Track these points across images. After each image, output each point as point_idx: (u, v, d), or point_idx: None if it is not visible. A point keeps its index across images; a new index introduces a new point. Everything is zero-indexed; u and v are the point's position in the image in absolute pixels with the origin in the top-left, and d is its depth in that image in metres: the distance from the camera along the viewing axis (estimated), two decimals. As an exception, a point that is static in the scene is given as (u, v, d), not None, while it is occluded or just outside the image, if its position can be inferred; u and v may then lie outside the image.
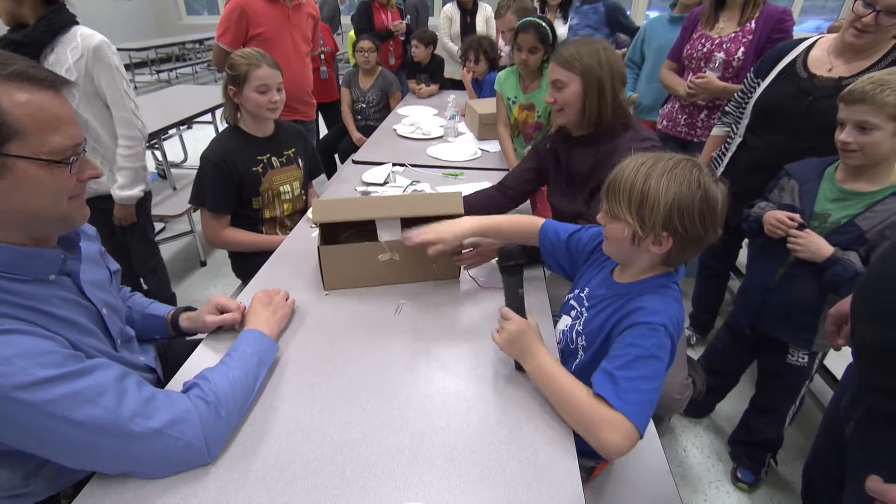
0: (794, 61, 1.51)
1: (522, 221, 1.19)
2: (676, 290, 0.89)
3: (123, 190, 1.75)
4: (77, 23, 1.58)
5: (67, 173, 0.70)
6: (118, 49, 6.09)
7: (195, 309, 1.15)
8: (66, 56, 1.53)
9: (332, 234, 1.31)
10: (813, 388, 1.57)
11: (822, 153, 1.33)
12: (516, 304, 0.96)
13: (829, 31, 1.83)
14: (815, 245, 1.22)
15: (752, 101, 1.63)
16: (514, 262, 0.96)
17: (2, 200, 0.66)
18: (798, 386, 1.48)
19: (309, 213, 1.68)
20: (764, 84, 1.58)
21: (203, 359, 1.02)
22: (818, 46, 1.50)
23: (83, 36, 1.55)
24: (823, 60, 1.46)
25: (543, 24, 1.89)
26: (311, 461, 0.80)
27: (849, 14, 1.39)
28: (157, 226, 3.05)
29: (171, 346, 1.24)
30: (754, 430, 1.62)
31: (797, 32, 1.85)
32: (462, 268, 1.32)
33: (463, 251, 1.27)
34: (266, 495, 0.74)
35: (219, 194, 1.62)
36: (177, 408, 0.74)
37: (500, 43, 3.77)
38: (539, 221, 1.16)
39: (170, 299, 2.01)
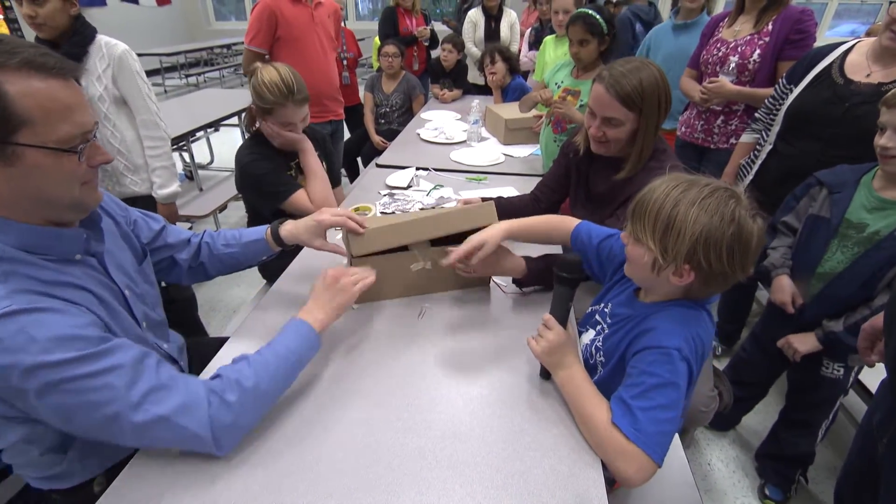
0: (829, 66, 1.47)
1: (556, 222, 1.16)
2: (700, 311, 0.84)
3: (163, 189, 1.81)
4: (97, 31, 1.64)
5: (76, 161, 0.70)
6: (151, 54, 6.25)
7: (290, 219, 1.17)
8: (95, 66, 1.60)
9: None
10: (846, 403, 1.52)
11: (858, 161, 1.29)
12: (561, 315, 0.93)
13: (868, 34, 1.77)
14: (809, 341, 1.34)
15: (784, 108, 1.59)
16: (571, 274, 0.92)
17: (16, 187, 0.68)
18: (833, 399, 1.43)
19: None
20: (797, 90, 1.54)
21: (229, 358, 1.04)
22: (856, 51, 1.45)
23: (107, 45, 1.62)
24: (861, 65, 1.42)
25: (594, 14, 1.83)
26: (335, 462, 0.80)
27: (885, 17, 1.35)
28: (185, 226, 3.12)
29: (199, 344, 1.26)
30: (785, 444, 1.56)
31: (830, 37, 1.80)
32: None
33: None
34: (290, 495, 0.75)
35: (285, 176, 1.61)
36: (187, 397, 0.74)
37: (524, 48, 3.78)
38: (572, 224, 1.12)
39: (189, 298, 2.05)
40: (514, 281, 1.25)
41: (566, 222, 1.14)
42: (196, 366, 1.10)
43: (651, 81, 1.16)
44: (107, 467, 0.90)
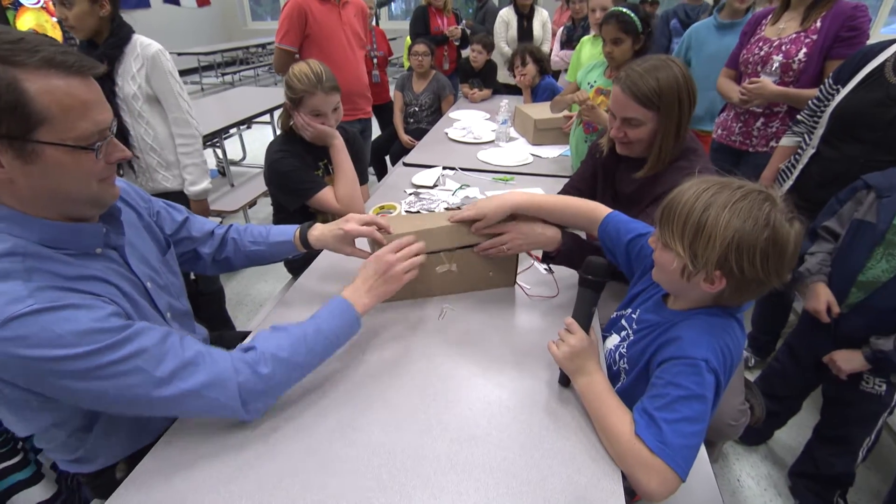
0: (882, 65, 1.38)
1: (582, 207, 1.10)
2: (730, 320, 0.81)
3: (194, 185, 1.86)
4: (134, 31, 1.69)
5: (94, 158, 0.71)
6: (190, 53, 6.43)
7: (316, 221, 1.20)
8: (130, 65, 1.65)
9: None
10: (892, 423, 1.43)
11: (909, 167, 1.22)
12: (584, 319, 0.91)
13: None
14: (855, 360, 1.27)
15: (830, 109, 1.51)
16: (596, 277, 0.89)
17: (35, 184, 0.69)
18: (874, 417, 1.34)
19: None
20: (845, 90, 1.46)
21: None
22: (912, 49, 1.37)
23: (142, 45, 1.67)
24: (917, 65, 1.34)
25: (629, 12, 1.80)
26: (349, 460, 0.80)
27: None
28: (216, 220, 3.21)
29: (223, 338, 1.28)
30: (821, 462, 1.47)
31: (886, 34, 1.69)
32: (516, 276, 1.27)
33: (487, 241, 1.15)
34: (303, 492, 0.75)
35: (312, 172, 1.64)
36: (214, 372, 0.76)
37: (556, 47, 3.72)
38: (602, 212, 1.07)
39: (218, 292, 2.10)
40: (544, 254, 1.21)
41: (596, 210, 1.08)
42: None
43: (670, 80, 1.13)
44: (129, 453, 0.92)
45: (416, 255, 1.06)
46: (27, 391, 0.72)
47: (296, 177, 1.59)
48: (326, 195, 1.59)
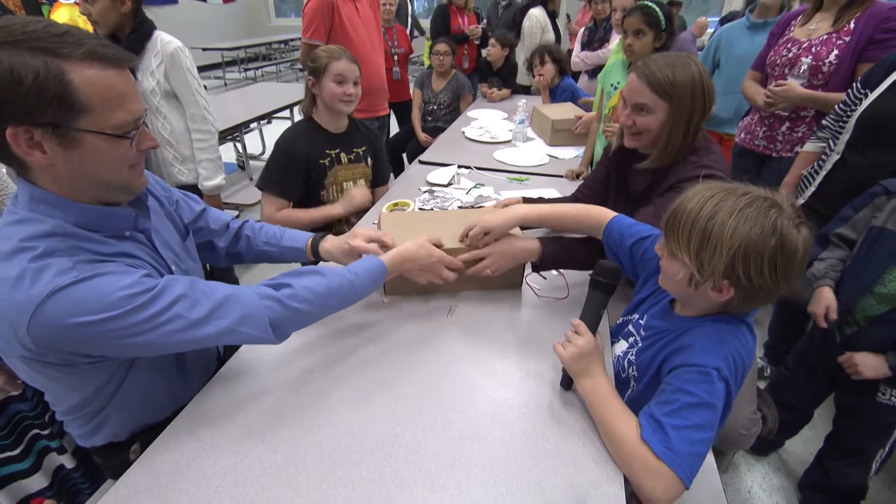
0: (913, 70, 1.35)
1: (586, 213, 1.10)
2: (739, 325, 0.80)
3: (208, 181, 1.89)
4: (155, 28, 1.73)
5: (128, 146, 0.75)
6: (213, 49, 6.52)
7: (330, 233, 1.23)
8: (150, 61, 1.70)
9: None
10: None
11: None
12: (592, 321, 0.91)
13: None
14: (880, 365, 1.21)
15: (857, 115, 1.46)
16: (606, 279, 0.90)
17: (74, 169, 0.73)
18: (888, 428, 1.31)
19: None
20: (873, 95, 1.42)
21: (261, 349, 1.06)
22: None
23: (162, 42, 1.71)
24: (950, 70, 1.29)
25: (653, 6, 1.80)
26: (352, 452, 0.81)
27: None
28: (232, 213, 3.25)
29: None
30: (832, 473, 1.43)
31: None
32: (524, 277, 1.27)
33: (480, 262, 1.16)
34: (306, 480, 0.76)
35: (285, 180, 1.69)
36: (246, 307, 0.82)
37: (577, 48, 3.69)
38: (606, 217, 1.07)
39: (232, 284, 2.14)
40: (532, 267, 1.21)
41: (600, 215, 1.08)
42: (229, 350, 1.13)
43: (686, 75, 1.11)
44: (135, 427, 0.95)
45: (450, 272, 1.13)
46: (82, 357, 0.77)
47: (272, 165, 1.69)
48: (267, 202, 1.70)
